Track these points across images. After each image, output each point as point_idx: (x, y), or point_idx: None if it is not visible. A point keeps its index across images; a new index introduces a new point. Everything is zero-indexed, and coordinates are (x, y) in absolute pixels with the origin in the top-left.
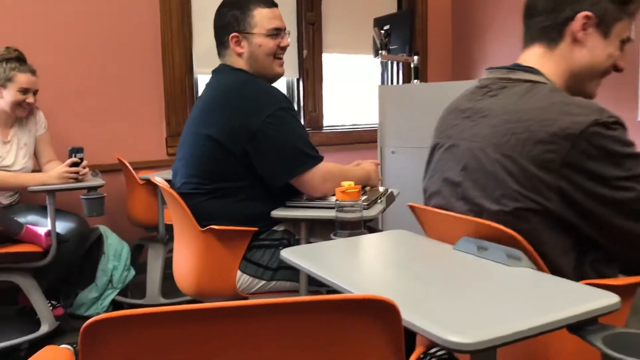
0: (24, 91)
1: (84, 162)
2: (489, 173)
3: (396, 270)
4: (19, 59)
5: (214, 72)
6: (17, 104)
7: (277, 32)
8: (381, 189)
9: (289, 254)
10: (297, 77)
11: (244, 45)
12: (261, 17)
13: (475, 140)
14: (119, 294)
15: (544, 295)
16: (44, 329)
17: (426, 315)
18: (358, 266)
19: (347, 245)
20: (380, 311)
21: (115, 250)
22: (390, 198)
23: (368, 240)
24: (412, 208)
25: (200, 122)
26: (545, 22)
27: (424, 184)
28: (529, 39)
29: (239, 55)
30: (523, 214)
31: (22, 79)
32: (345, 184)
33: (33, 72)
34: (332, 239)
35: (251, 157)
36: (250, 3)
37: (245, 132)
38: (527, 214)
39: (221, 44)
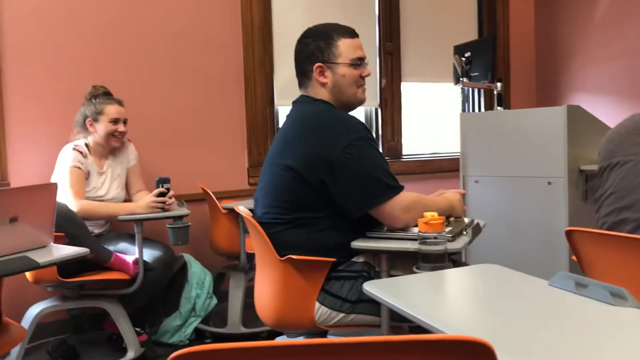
0: (115, 121)
1: (171, 192)
2: None
3: (487, 307)
4: (106, 94)
5: (294, 103)
6: (110, 134)
7: (360, 62)
8: (466, 220)
9: (371, 287)
10: (376, 106)
11: (328, 75)
12: (345, 47)
13: None
14: (201, 322)
15: None
16: (130, 355)
17: (524, 359)
18: (446, 302)
19: (434, 280)
20: (473, 353)
21: (199, 279)
22: (477, 229)
23: (455, 275)
24: (569, 233)
25: (280, 152)
26: None
27: (602, 203)
28: None
29: (323, 85)
30: None
31: (111, 110)
32: (428, 214)
33: (120, 102)
34: (414, 273)
35: (329, 187)
36: (334, 33)
37: (323, 162)
38: None
39: (303, 75)
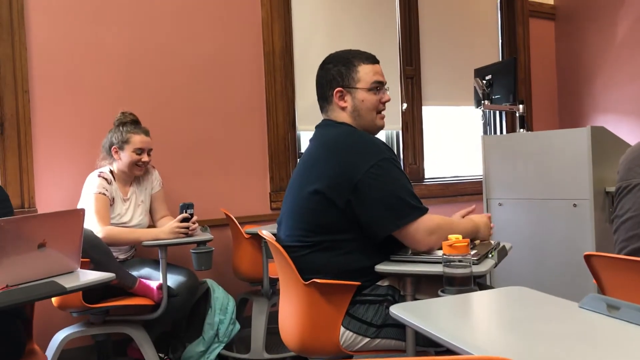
0: (139, 151)
1: (194, 218)
2: None
3: (515, 330)
4: (134, 122)
5: (317, 127)
6: (134, 164)
7: (379, 86)
8: (492, 242)
9: (398, 311)
10: (398, 129)
11: (348, 100)
12: (365, 72)
13: None
14: (224, 347)
15: None
16: None
17: None
18: (473, 325)
19: (460, 303)
20: None
21: (222, 304)
22: (503, 252)
23: (482, 298)
24: (587, 258)
25: (304, 175)
26: None
27: (620, 226)
28: None
29: (343, 109)
30: None
31: (137, 139)
32: (453, 237)
33: (146, 132)
34: (439, 296)
35: (354, 208)
36: (355, 59)
37: (348, 183)
38: None
39: (324, 99)
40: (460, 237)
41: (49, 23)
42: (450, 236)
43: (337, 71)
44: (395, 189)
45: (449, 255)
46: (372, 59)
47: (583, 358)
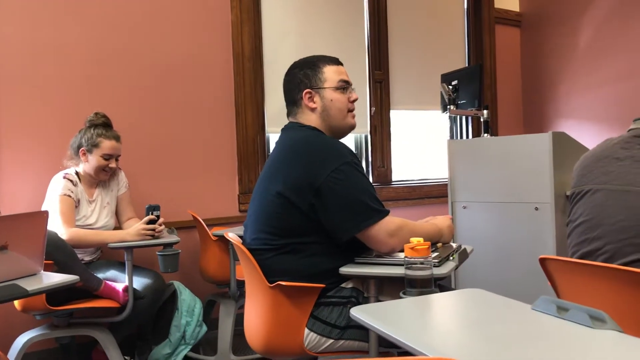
0: (107, 157)
1: (161, 220)
2: None
3: (471, 332)
4: (106, 125)
5: (282, 130)
6: (100, 169)
7: (345, 85)
8: (454, 245)
9: (358, 313)
10: (366, 133)
11: (317, 101)
12: (330, 72)
13: None
14: (191, 349)
15: None
16: None
17: None
18: (432, 327)
19: (420, 304)
20: None
21: (189, 306)
22: (464, 255)
23: (442, 300)
24: (542, 261)
25: (269, 178)
26: None
27: (573, 231)
28: None
29: (312, 110)
30: None
31: (107, 145)
32: (414, 240)
33: (117, 138)
34: (402, 298)
35: (317, 212)
36: (319, 61)
37: (310, 187)
38: None
39: (293, 103)
40: (421, 240)
41: (11, 21)
42: (411, 239)
43: (303, 74)
44: (356, 192)
45: (410, 258)
46: (336, 61)
47: (531, 358)
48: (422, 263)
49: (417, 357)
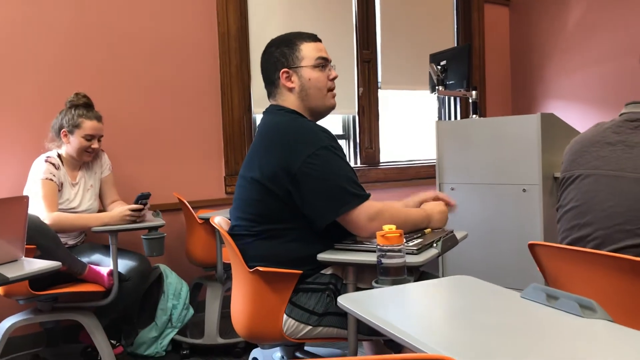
0: (89, 138)
1: (147, 206)
2: None
3: (458, 321)
4: (87, 105)
5: (264, 113)
6: (83, 150)
7: (324, 63)
8: (446, 230)
9: (346, 302)
10: (354, 114)
11: (295, 80)
12: (308, 50)
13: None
14: (178, 333)
15: (623, 351)
16: None
17: None
18: (418, 316)
19: (408, 293)
20: None
21: (175, 289)
22: (451, 241)
23: (428, 287)
24: (532, 247)
25: (247, 165)
26: None
27: (563, 216)
28: None
29: (290, 90)
30: None
31: (88, 125)
32: (386, 227)
33: (99, 118)
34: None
35: (294, 198)
36: (296, 39)
37: (286, 173)
38: None
39: (271, 84)
40: (393, 227)
41: None
42: (384, 226)
43: (280, 52)
44: (333, 177)
45: (381, 246)
46: (314, 38)
47: (520, 348)
48: (396, 251)
49: (417, 355)
